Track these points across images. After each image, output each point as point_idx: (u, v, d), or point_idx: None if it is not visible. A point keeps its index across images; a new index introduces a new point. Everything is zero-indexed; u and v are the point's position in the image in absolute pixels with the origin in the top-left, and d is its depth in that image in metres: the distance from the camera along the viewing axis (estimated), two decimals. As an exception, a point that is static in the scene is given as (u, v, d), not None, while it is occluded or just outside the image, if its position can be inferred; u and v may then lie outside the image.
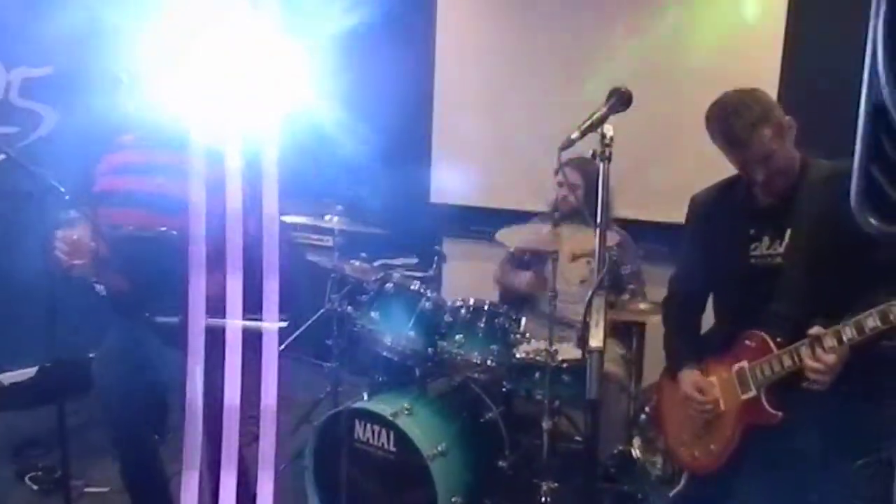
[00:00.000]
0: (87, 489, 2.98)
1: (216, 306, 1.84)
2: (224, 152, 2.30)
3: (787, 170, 1.89)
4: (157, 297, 1.72)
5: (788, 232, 1.89)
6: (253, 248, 2.01)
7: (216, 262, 1.83)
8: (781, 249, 1.90)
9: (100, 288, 3.20)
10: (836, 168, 1.85)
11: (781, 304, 1.86)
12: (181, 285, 1.73)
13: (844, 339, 1.66)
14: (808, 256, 1.84)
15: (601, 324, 1.30)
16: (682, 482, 2.12)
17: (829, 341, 1.68)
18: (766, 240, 1.94)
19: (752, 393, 1.89)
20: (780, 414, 1.83)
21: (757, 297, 1.93)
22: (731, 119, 1.82)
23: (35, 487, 3.04)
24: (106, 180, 2.26)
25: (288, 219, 3.38)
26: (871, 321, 1.61)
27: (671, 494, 2.12)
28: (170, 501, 2.50)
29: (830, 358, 1.68)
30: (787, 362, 1.80)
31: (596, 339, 1.29)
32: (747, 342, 1.92)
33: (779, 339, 1.84)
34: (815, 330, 1.71)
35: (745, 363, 1.91)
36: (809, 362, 1.71)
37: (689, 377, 2.04)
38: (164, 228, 1.75)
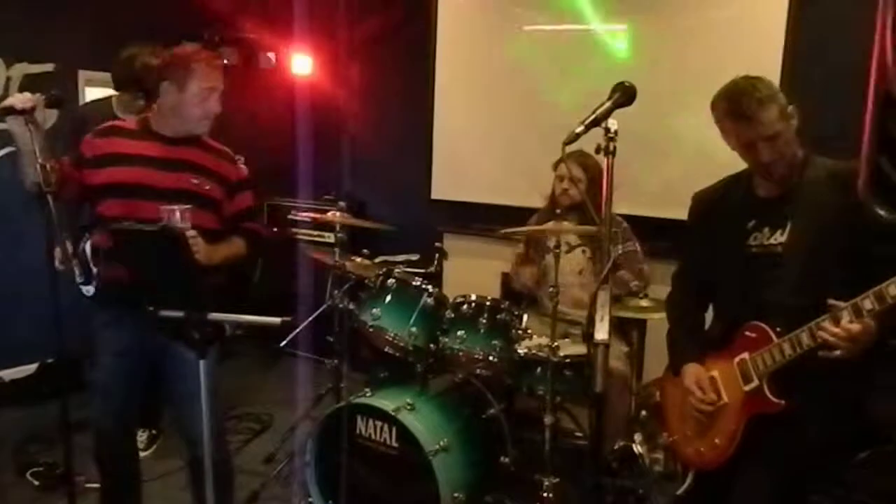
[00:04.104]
0: (87, 485, 2.98)
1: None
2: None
3: (790, 159, 1.90)
4: (160, 291, 1.72)
5: (790, 223, 1.90)
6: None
7: None
8: (783, 239, 1.91)
9: (86, 289, 3.22)
10: (838, 166, 1.88)
11: (781, 294, 1.87)
12: (184, 279, 1.74)
13: (864, 310, 1.65)
14: (809, 248, 1.85)
15: (606, 318, 1.30)
16: (689, 480, 2.10)
17: (846, 315, 1.67)
18: (766, 230, 1.95)
19: (755, 383, 1.90)
20: (783, 402, 1.84)
21: (756, 286, 1.94)
22: (738, 97, 1.85)
23: (36, 483, 3.05)
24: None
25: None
26: (893, 289, 1.59)
27: (678, 493, 2.11)
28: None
29: (855, 327, 1.66)
30: (788, 350, 1.81)
31: (601, 333, 1.30)
32: (748, 333, 1.93)
33: (778, 329, 1.85)
34: (835, 302, 1.70)
35: (745, 354, 1.93)
36: (832, 328, 1.68)
37: (692, 371, 2.06)
38: (165, 222, 1.75)
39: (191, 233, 2.00)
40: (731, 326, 2.00)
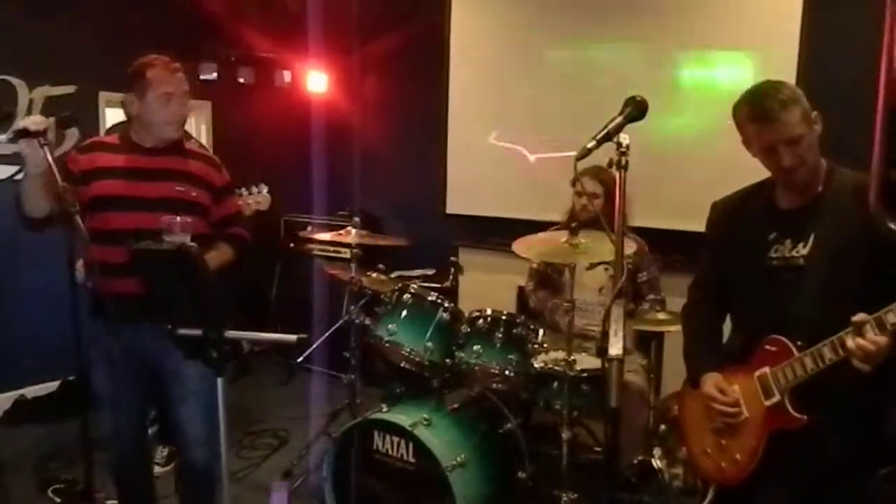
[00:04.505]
0: (108, 502, 3.00)
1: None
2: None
3: (812, 166, 1.86)
4: (177, 309, 1.74)
5: (812, 236, 1.86)
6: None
7: None
8: (805, 252, 1.87)
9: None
10: (863, 179, 1.82)
11: (803, 307, 1.84)
12: (201, 298, 1.76)
13: (888, 324, 1.62)
14: (832, 262, 1.81)
15: (620, 332, 1.30)
16: (710, 496, 2.07)
17: (870, 330, 1.64)
18: (787, 243, 1.91)
19: (776, 398, 1.86)
20: (805, 418, 1.81)
21: (777, 299, 1.90)
22: (760, 98, 1.82)
23: (58, 500, 3.07)
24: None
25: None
26: None
27: None
28: None
29: (882, 339, 1.62)
30: (810, 365, 1.77)
31: (615, 348, 1.29)
32: (768, 347, 1.90)
33: (800, 343, 1.82)
34: (860, 317, 1.66)
35: (766, 369, 1.89)
36: (859, 341, 1.64)
37: (711, 379, 2.02)
38: (186, 240, 1.77)
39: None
40: (750, 339, 1.96)
